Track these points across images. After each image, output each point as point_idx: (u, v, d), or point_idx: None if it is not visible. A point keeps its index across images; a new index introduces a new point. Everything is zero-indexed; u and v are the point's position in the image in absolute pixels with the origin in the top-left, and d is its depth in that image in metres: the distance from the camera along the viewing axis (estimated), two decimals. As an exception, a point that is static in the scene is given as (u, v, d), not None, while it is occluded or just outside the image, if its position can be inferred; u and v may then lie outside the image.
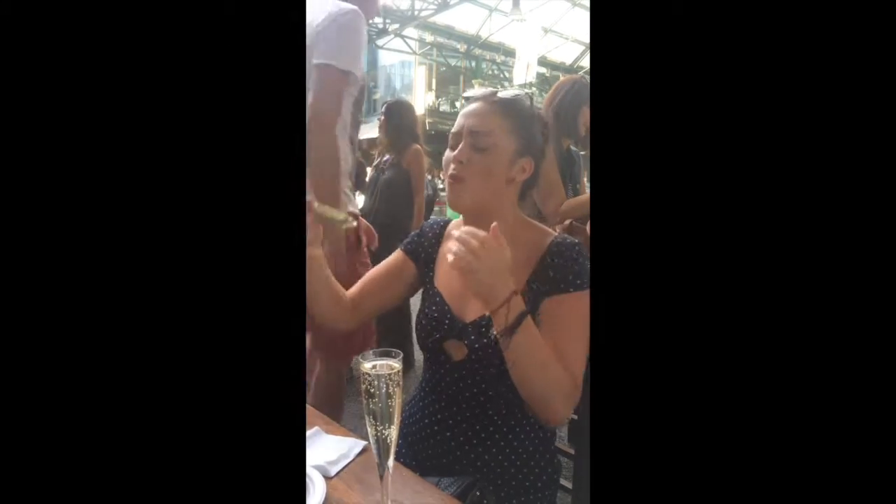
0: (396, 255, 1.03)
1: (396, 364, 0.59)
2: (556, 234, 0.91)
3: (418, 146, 2.70)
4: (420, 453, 0.90)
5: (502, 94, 0.90)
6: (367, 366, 0.58)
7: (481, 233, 0.73)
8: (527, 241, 0.91)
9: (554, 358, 0.80)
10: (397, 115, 2.70)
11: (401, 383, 0.59)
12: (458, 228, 1.01)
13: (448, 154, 0.90)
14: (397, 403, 0.58)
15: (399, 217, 2.66)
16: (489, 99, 0.90)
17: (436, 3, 10.56)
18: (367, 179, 2.80)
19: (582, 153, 2.21)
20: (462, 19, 12.43)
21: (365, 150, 2.92)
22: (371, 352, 0.59)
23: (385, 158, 2.72)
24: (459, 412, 0.88)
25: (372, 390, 0.57)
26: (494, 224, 0.74)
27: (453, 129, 0.90)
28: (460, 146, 0.87)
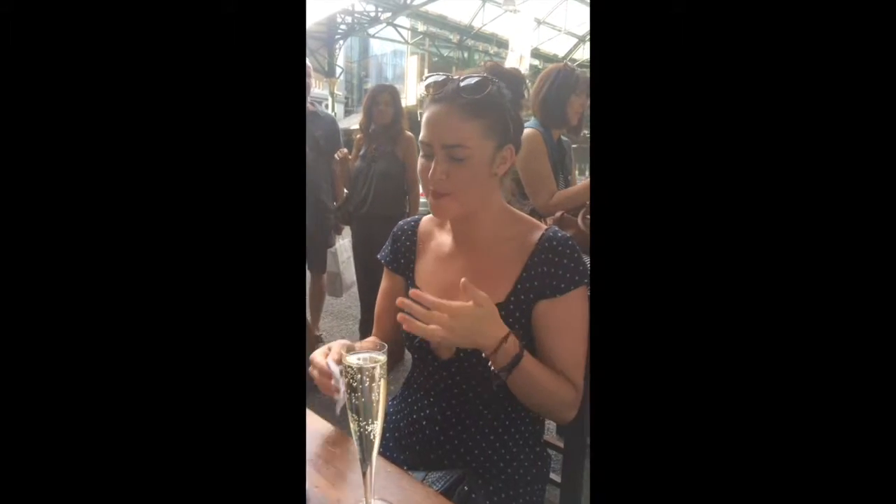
0: (384, 275, 0.99)
1: (381, 357, 0.56)
2: (546, 227, 0.87)
3: (411, 134, 2.62)
4: (407, 448, 0.88)
5: (465, 83, 0.82)
6: (350, 359, 0.56)
7: (445, 305, 0.67)
8: (514, 237, 0.87)
9: (554, 377, 0.79)
10: (395, 101, 2.60)
11: (385, 376, 0.57)
12: (435, 226, 0.97)
13: (422, 162, 0.84)
14: (382, 398, 0.56)
15: (394, 210, 2.59)
16: (456, 100, 0.82)
17: (428, -9, 10.43)
18: (354, 171, 2.71)
19: (574, 146, 2.19)
20: (455, 9, 12.31)
21: (358, 141, 2.82)
22: (356, 344, 0.57)
23: (374, 147, 2.64)
24: (449, 408, 0.86)
25: (355, 384, 0.55)
26: (463, 280, 0.69)
27: (422, 138, 0.84)
28: (436, 160, 0.81)
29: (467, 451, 0.85)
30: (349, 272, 2.85)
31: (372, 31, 12.75)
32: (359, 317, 2.91)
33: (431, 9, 11.91)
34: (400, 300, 0.68)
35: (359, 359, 0.56)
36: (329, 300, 3.07)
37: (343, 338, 3.37)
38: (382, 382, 0.56)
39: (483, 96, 0.82)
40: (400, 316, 0.67)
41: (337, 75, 12.28)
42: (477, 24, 13.24)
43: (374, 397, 0.55)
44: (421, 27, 14.35)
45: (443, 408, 0.87)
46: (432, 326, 0.66)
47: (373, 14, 11.33)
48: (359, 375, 0.55)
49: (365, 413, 0.55)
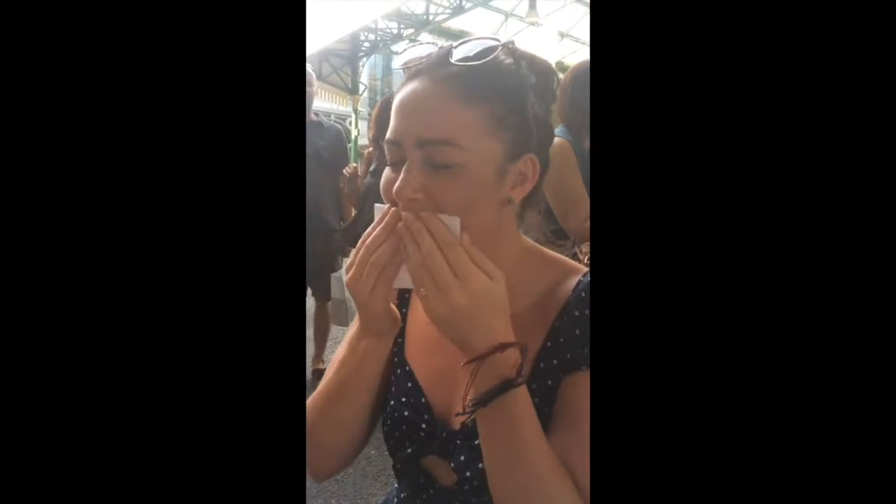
0: (350, 332, 0.68)
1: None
2: (585, 268, 0.60)
3: None
4: None
5: (459, 51, 0.54)
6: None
7: (446, 231, 0.48)
8: (540, 283, 0.60)
9: (556, 466, 0.49)
10: None
11: None
12: None
13: (388, 175, 0.55)
14: None
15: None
16: (439, 69, 0.53)
17: (451, 7, 10.45)
18: (363, 188, 2.49)
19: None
20: (477, 24, 12.24)
21: (367, 155, 2.62)
22: None
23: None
24: None
25: None
26: (465, 238, 0.50)
27: (390, 136, 0.55)
28: (407, 167, 0.52)
29: None
30: (356, 299, 2.60)
31: (395, 47, 12.76)
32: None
33: (454, 24, 11.86)
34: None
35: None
36: (335, 329, 2.83)
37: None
38: None
39: (486, 66, 0.53)
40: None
41: (360, 92, 12.29)
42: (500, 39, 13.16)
43: None
44: (444, 43, 14.36)
45: None
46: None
47: (395, 31, 11.37)
48: None
49: None
